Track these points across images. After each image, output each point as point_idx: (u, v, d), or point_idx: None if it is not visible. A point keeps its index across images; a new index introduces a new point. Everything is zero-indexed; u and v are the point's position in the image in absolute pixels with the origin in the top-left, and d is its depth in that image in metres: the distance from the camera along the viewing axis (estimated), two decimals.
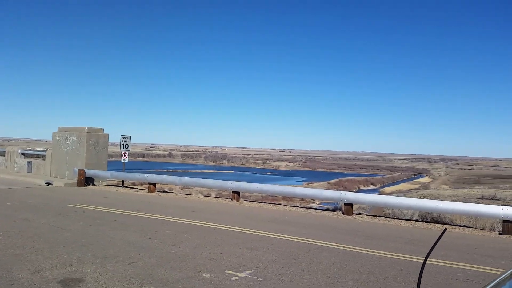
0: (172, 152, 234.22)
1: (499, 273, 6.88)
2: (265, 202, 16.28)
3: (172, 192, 18.96)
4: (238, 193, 15.46)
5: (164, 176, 18.96)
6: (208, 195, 17.74)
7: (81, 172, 18.63)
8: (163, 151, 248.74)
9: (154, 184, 17.81)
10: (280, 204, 16.77)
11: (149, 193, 17.41)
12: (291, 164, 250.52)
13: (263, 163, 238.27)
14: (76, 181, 18.74)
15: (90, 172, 18.88)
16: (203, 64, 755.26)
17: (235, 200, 15.30)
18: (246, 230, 10.10)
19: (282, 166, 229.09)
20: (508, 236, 10.64)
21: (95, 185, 19.54)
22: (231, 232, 9.92)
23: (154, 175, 18.47)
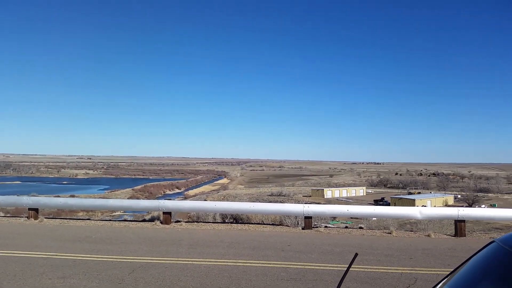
0: None
1: (314, 268, 7.67)
2: (70, 218, 14.20)
3: None
4: (36, 209, 13.00)
5: None
6: None
7: None
8: None
9: None
10: (88, 219, 14.91)
11: None
12: (91, 171, 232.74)
13: (58, 171, 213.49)
14: None
15: None
16: None
17: (32, 219, 12.81)
18: (53, 255, 8.45)
19: (81, 174, 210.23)
20: (309, 231, 12.13)
21: None
22: (34, 259, 8.12)
23: None
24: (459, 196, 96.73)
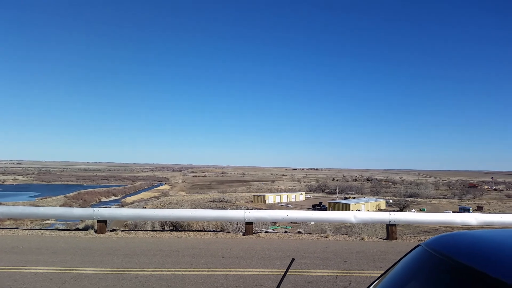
0: None
1: (254, 273, 7.73)
2: None
3: None
4: None
5: None
6: None
7: None
8: None
9: None
10: (16, 228, 13.76)
11: None
12: (20, 177, 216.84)
13: None
14: None
15: None
16: None
17: None
18: None
19: (9, 180, 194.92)
20: (250, 236, 12.21)
21: None
22: None
23: None
24: (391, 201, 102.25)
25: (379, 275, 2.11)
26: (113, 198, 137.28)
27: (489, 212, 66.21)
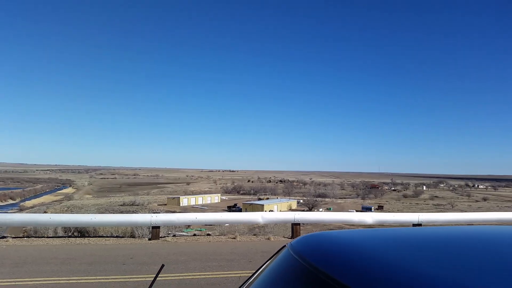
0: None
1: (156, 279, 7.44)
2: None
3: None
4: None
5: None
6: None
7: None
8: None
9: None
10: None
11: None
12: None
13: None
14: None
15: None
16: None
17: None
18: None
19: None
20: (156, 241, 11.79)
21: None
22: None
23: None
24: (301, 201, 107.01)
25: (250, 274, 2.06)
26: (11, 202, 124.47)
27: (389, 211, 72.50)
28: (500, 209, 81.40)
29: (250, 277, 1.84)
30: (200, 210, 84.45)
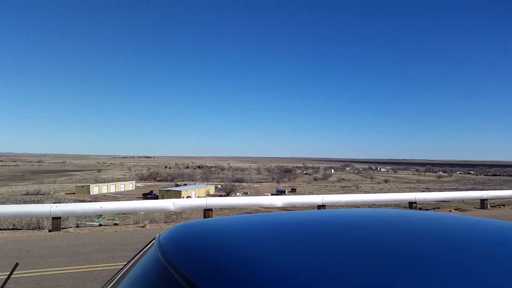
0: None
1: (53, 273, 7.10)
2: None
3: None
4: None
5: None
6: None
7: None
8: None
9: None
10: None
11: None
12: None
13: None
14: None
15: None
16: None
17: None
18: None
19: None
20: (57, 232, 11.17)
21: None
22: None
23: None
24: (219, 186, 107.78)
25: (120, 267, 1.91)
26: None
27: (301, 194, 76.28)
28: (399, 190, 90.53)
29: (116, 274, 1.64)
30: (113, 199, 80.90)
